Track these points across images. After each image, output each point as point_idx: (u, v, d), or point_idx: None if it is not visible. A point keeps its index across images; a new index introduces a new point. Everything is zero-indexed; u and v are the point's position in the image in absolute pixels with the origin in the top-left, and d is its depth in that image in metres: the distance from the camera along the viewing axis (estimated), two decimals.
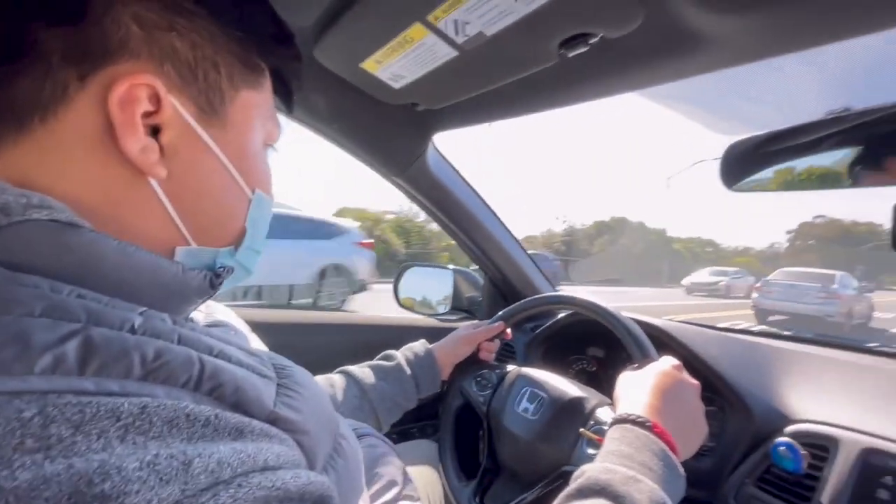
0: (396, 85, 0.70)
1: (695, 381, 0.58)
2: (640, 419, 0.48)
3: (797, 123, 0.63)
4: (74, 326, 0.25)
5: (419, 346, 0.79)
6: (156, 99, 0.31)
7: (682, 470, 0.46)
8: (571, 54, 0.57)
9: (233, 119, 0.36)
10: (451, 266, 1.23)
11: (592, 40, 0.54)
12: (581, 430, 0.63)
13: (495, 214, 1.09)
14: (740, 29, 0.49)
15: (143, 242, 0.31)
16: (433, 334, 1.20)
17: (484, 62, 0.62)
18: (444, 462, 0.78)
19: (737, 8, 0.46)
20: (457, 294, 1.22)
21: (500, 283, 1.17)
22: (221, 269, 0.38)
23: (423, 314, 1.27)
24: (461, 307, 1.23)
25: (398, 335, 1.17)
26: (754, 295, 10.93)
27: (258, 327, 0.56)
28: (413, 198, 1.01)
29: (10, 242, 0.27)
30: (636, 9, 0.49)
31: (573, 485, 0.42)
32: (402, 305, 1.27)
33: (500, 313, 0.84)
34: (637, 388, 0.55)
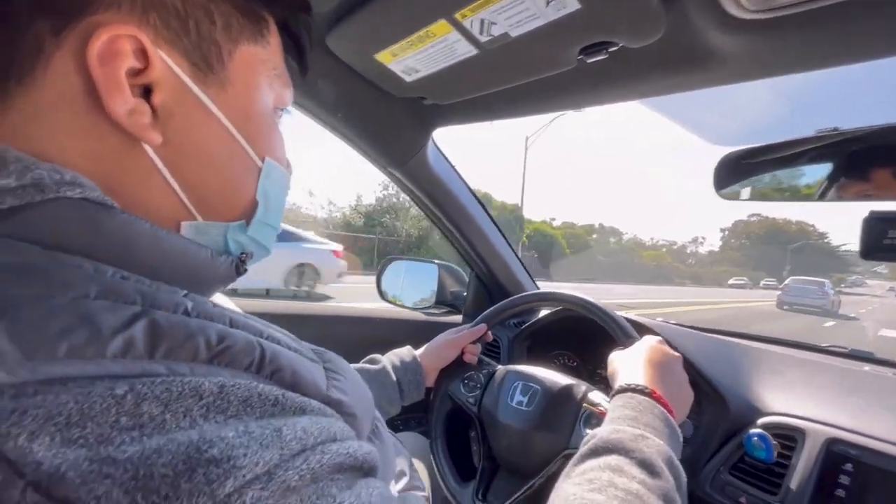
0: (409, 78, 0.69)
1: (677, 353, 0.62)
2: (639, 387, 0.52)
3: (786, 139, 0.68)
4: (135, 309, 0.24)
5: (405, 351, 0.78)
6: (143, 54, 0.28)
7: (680, 432, 0.49)
8: (590, 60, 0.58)
9: (234, 77, 0.33)
10: (436, 261, 1.23)
11: (612, 49, 0.56)
12: (584, 404, 0.66)
13: (487, 212, 1.09)
14: (753, 48, 0.52)
15: (144, 216, 0.29)
16: (419, 328, 1.20)
17: (502, 62, 0.62)
18: (439, 467, 0.78)
19: (752, 30, 0.48)
20: (441, 288, 1.22)
21: (486, 280, 1.18)
22: (244, 255, 0.37)
23: (407, 308, 1.26)
24: (445, 301, 1.23)
25: (385, 327, 1.16)
26: (778, 293, 18.12)
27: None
28: (408, 191, 0.99)
29: (42, 220, 0.25)
30: (659, 23, 0.50)
31: (585, 447, 0.44)
32: (384, 299, 1.26)
33: (482, 316, 0.84)
34: (630, 362, 0.59)
